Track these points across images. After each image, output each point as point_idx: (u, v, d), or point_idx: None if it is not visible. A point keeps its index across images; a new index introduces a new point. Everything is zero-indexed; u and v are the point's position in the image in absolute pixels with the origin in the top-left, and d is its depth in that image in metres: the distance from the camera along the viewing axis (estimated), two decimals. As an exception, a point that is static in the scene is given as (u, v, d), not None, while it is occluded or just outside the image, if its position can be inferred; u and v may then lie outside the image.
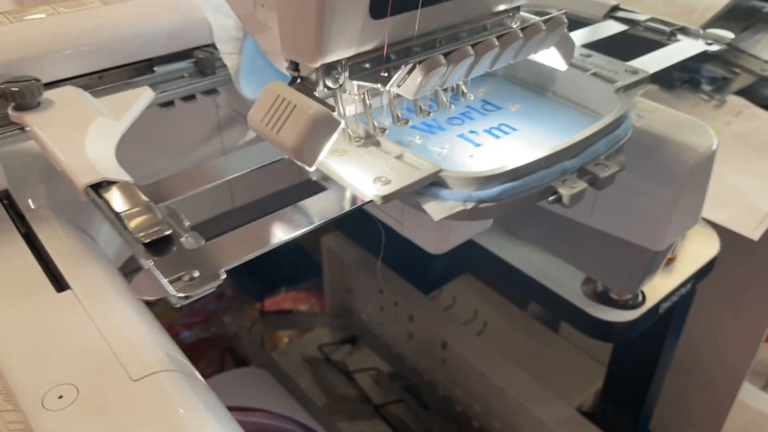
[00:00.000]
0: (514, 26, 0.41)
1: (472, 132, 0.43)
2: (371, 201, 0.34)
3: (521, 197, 0.36)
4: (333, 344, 1.05)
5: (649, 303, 0.60)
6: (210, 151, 0.60)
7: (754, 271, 0.77)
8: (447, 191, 0.35)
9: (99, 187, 0.34)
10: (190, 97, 0.53)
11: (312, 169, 0.34)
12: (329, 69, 0.34)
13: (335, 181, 0.37)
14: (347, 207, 0.36)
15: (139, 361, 0.33)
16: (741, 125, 0.79)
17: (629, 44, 0.56)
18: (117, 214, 0.31)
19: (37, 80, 0.41)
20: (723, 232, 0.67)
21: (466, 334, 0.88)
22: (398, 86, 0.36)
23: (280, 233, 0.34)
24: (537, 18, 0.40)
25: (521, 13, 0.42)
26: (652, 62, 0.49)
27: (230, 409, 0.34)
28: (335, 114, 0.34)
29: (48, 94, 0.42)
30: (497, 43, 0.37)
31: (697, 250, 0.65)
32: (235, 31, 0.49)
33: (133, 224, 0.31)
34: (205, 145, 0.60)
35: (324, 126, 0.33)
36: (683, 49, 0.53)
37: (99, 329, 0.35)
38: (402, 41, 0.36)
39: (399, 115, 0.41)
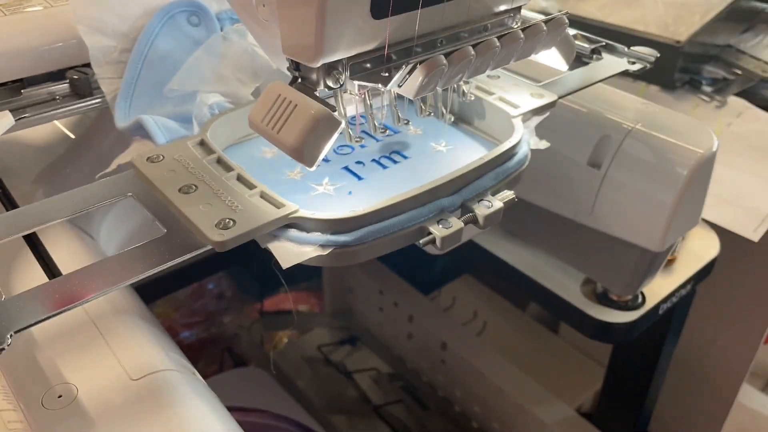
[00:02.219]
0: (515, 26, 0.41)
1: (358, 163, 0.40)
2: (209, 248, 0.31)
3: (386, 240, 0.33)
4: (332, 344, 1.05)
5: (649, 304, 0.60)
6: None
7: (754, 273, 0.77)
8: (303, 234, 0.33)
9: None
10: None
11: (313, 168, 0.34)
12: (330, 69, 0.34)
13: (178, 221, 0.33)
14: (180, 256, 0.32)
15: (139, 361, 0.33)
16: (741, 126, 0.79)
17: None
18: None
19: None
20: (723, 234, 0.67)
21: (465, 335, 0.88)
22: (399, 86, 0.36)
23: (89, 290, 0.29)
24: (538, 18, 0.40)
25: (522, 13, 0.42)
26: (566, 82, 0.46)
27: (229, 409, 0.34)
28: (336, 114, 0.33)
29: None
30: (498, 44, 0.37)
31: (697, 251, 0.65)
32: (116, 53, 0.44)
33: None
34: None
35: (325, 126, 0.33)
36: (603, 68, 0.50)
37: (98, 329, 0.35)
38: (403, 41, 0.36)
39: (400, 115, 0.41)
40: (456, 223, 0.34)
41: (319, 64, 0.33)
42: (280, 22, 0.33)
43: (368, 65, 0.35)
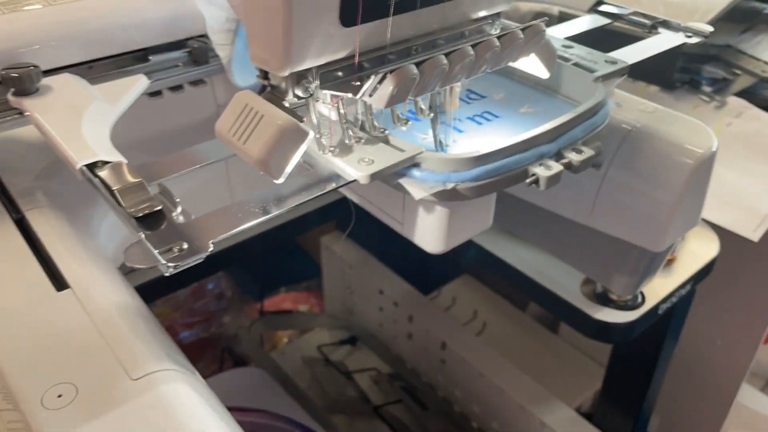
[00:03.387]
0: (494, 33, 0.41)
1: (455, 119, 0.44)
2: (355, 181, 0.36)
3: (499, 179, 0.37)
4: (332, 344, 1.05)
5: (649, 304, 0.60)
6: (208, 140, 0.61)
7: (754, 273, 0.77)
8: (427, 173, 0.36)
9: (95, 167, 0.35)
10: (177, 87, 0.55)
11: (280, 181, 0.34)
12: (299, 78, 0.34)
13: (320, 163, 0.37)
14: (331, 187, 0.37)
15: (139, 361, 0.33)
16: (741, 126, 0.79)
17: (612, 37, 0.58)
18: (111, 191, 0.33)
19: (36, 66, 0.42)
20: (723, 234, 0.67)
21: (465, 335, 0.88)
22: (369, 96, 0.35)
23: (265, 209, 0.35)
24: (515, 25, 0.40)
25: (502, 20, 0.42)
26: (631, 53, 0.51)
27: (229, 409, 0.34)
28: (304, 125, 0.33)
29: (46, 81, 0.43)
30: (472, 52, 0.36)
31: (697, 251, 0.65)
32: (227, 22, 0.49)
33: (126, 200, 0.32)
34: (203, 134, 0.61)
35: (291, 137, 0.32)
36: (662, 41, 0.55)
37: (98, 328, 0.35)
38: (376, 49, 0.36)
39: (375, 123, 0.40)
40: (555, 167, 0.37)
41: (287, 73, 0.33)
42: (247, 29, 0.33)
43: (340, 74, 0.35)
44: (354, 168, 0.36)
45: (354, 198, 0.50)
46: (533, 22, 0.40)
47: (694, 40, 0.55)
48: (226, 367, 1.04)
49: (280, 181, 0.34)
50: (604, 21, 0.61)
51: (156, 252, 0.31)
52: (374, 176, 0.35)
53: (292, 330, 1.12)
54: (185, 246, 0.31)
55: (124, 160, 0.36)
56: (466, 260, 0.79)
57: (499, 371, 0.81)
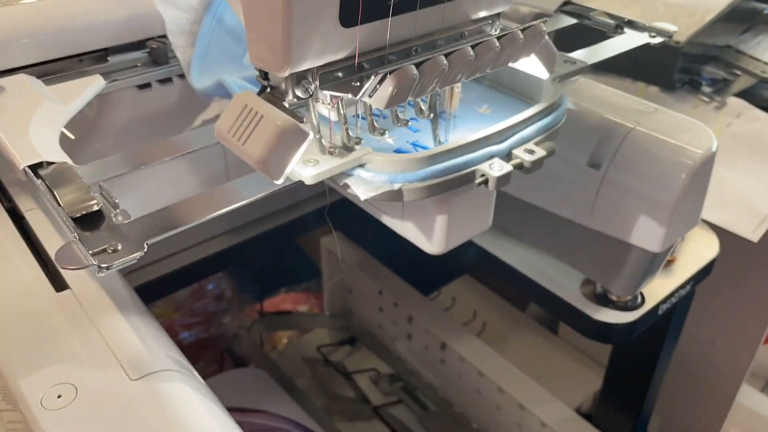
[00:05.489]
0: (494, 33, 0.41)
1: (412, 119, 0.44)
2: (300, 181, 0.36)
3: (446, 180, 0.37)
4: (332, 345, 1.05)
5: (649, 304, 0.60)
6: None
7: (754, 273, 0.77)
8: (375, 173, 0.37)
9: (39, 168, 0.36)
10: (145, 86, 0.55)
11: (279, 181, 0.34)
12: (299, 78, 0.34)
13: None
14: (276, 187, 0.37)
15: (138, 361, 0.33)
16: (741, 127, 0.79)
17: (577, 37, 0.58)
18: (51, 192, 0.33)
19: None
20: (723, 234, 0.67)
21: (465, 335, 0.87)
22: (369, 96, 0.35)
23: (206, 210, 0.35)
24: (515, 26, 0.40)
25: (502, 20, 0.42)
26: (592, 54, 0.52)
27: (229, 409, 0.34)
28: (303, 125, 0.33)
29: (0, 81, 0.45)
30: (472, 53, 0.36)
31: (697, 251, 0.65)
32: (188, 24, 0.50)
33: (65, 201, 0.33)
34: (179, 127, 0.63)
35: (291, 138, 0.32)
36: (626, 41, 0.55)
37: (98, 329, 0.35)
38: (376, 50, 0.36)
39: (375, 124, 0.40)
40: (505, 167, 0.37)
41: (286, 74, 0.33)
42: (247, 30, 0.33)
43: (340, 74, 0.35)
44: (299, 168, 0.35)
45: (354, 199, 0.50)
46: (533, 22, 0.39)
47: (658, 40, 0.55)
48: (226, 368, 1.04)
49: (280, 181, 0.34)
50: (570, 21, 0.61)
51: (88, 252, 0.31)
52: (319, 176, 0.35)
53: (292, 330, 1.12)
54: (119, 246, 0.31)
55: (68, 161, 0.36)
56: (466, 261, 0.79)
57: (498, 371, 0.81)
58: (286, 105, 0.34)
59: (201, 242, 0.69)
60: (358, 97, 0.35)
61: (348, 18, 0.33)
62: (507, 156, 0.39)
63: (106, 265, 0.30)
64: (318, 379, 0.99)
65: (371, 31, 0.34)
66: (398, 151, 0.42)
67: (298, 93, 0.34)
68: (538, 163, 0.39)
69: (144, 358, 0.33)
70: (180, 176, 0.55)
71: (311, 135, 0.34)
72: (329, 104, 0.36)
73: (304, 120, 0.34)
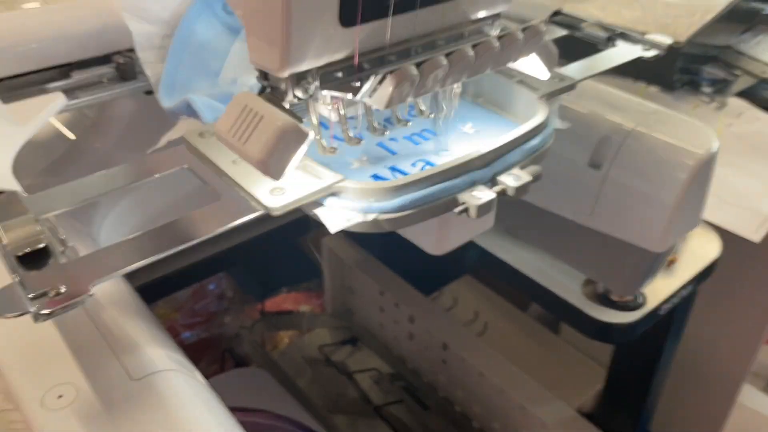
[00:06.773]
0: (494, 33, 0.40)
1: (391, 140, 0.42)
2: (265, 212, 0.34)
3: (424, 209, 0.35)
4: (333, 345, 1.05)
5: (650, 305, 0.60)
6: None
7: (755, 273, 0.76)
8: (347, 202, 0.34)
9: None
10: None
11: (278, 181, 0.34)
12: (299, 79, 0.33)
13: (228, 191, 0.35)
14: (240, 219, 0.35)
15: (139, 361, 0.33)
16: (742, 127, 0.79)
17: (569, 49, 0.56)
18: None
19: None
20: (724, 234, 0.67)
21: (466, 336, 0.87)
22: (369, 96, 0.35)
23: (160, 247, 0.33)
24: (515, 26, 0.39)
25: (502, 20, 0.42)
26: (582, 69, 0.49)
27: (231, 409, 0.34)
28: (304, 126, 0.33)
29: None
30: (472, 53, 0.36)
31: (698, 251, 0.65)
32: (158, 39, 0.47)
33: (9, 236, 0.30)
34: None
35: (291, 138, 0.32)
36: (618, 54, 0.53)
37: (98, 328, 0.35)
38: (375, 50, 0.35)
39: (376, 124, 0.40)
40: (487, 194, 0.35)
41: (286, 74, 0.33)
42: (246, 31, 0.33)
43: (339, 74, 0.35)
44: (266, 198, 0.34)
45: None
46: (533, 22, 0.39)
47: (652, 53, 0.52)
48: (227, 368, 1.04)
49: (279, 181, 0.34)
50: (561, 32, 0.60)
51: (27, 297, 0.28)
52: (286, 207, 0.34)
53: (293, 330, 1.12)
54: (63, 289, 0.29)
55: (18, 189, 0.34)
56: (468, 261, 0.79)
57: (500, 372, 0.81)
58: (286, 105, 0.34)
59: (202, 242, 0.69)
60: (358, 98, 0.35)
61: (348, 18, 0.33)
62: (490, 181, 0.37)
63: (47, 311, 0.28)
64: (319, 378, 0.99)
65: (371, 31, 0.34)
66: (375, 176, 0.39)
67: (298, 93, 0.34)
68: (523, 190, 0.37)
69: (145, 358, 0.33)
70: (145, 198, 0.52)
71: (311, 135, 0.34)
72: (329, 105, 0.36)
73: (304, 120, 0.34)
